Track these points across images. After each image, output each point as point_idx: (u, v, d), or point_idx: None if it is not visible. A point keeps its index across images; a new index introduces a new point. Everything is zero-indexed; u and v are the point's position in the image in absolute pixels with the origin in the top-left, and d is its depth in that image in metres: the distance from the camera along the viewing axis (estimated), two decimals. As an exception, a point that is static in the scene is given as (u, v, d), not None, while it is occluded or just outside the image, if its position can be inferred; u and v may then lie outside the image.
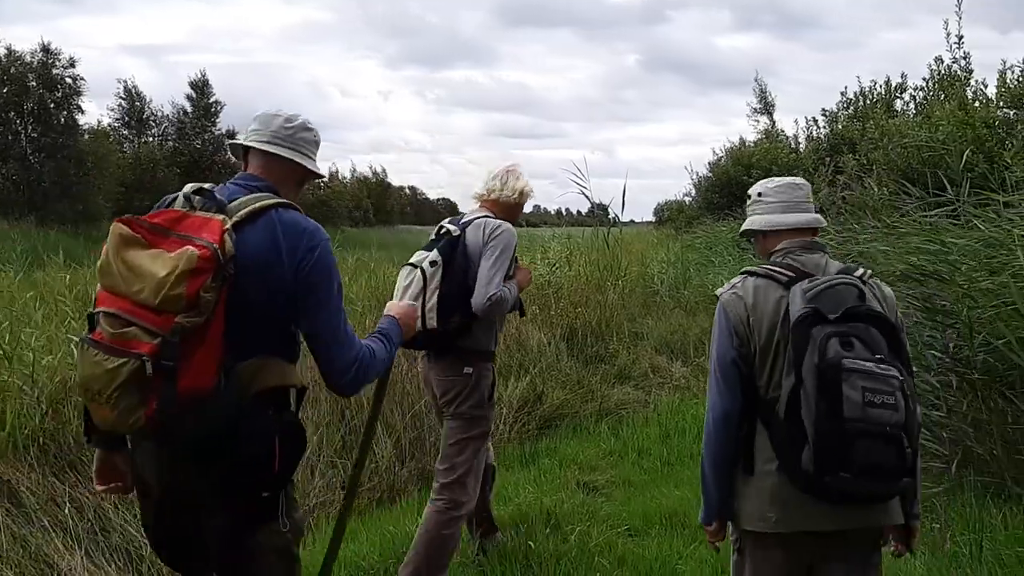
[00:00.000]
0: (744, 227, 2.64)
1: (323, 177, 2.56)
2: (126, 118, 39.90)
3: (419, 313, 3.35)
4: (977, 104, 11.29)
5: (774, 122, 24.39)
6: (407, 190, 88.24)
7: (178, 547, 2.24)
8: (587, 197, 11.29)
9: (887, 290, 2.47)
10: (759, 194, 2.61)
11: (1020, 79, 11.02)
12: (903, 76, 16.83)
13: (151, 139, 40.47)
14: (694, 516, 4.69)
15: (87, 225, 29.46)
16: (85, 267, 8.41)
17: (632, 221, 30.46)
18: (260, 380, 2.10)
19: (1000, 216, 5.62)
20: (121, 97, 39.81)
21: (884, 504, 2.32)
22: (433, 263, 3.48)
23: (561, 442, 6.36)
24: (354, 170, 67.63)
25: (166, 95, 78.74)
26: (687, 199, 28.58)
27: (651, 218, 35.88)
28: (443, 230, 3.66)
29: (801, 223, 2.52)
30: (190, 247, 1.94)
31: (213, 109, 41.55)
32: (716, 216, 22.54)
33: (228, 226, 2.02)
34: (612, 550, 4.20)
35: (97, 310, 2.02)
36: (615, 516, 4.73)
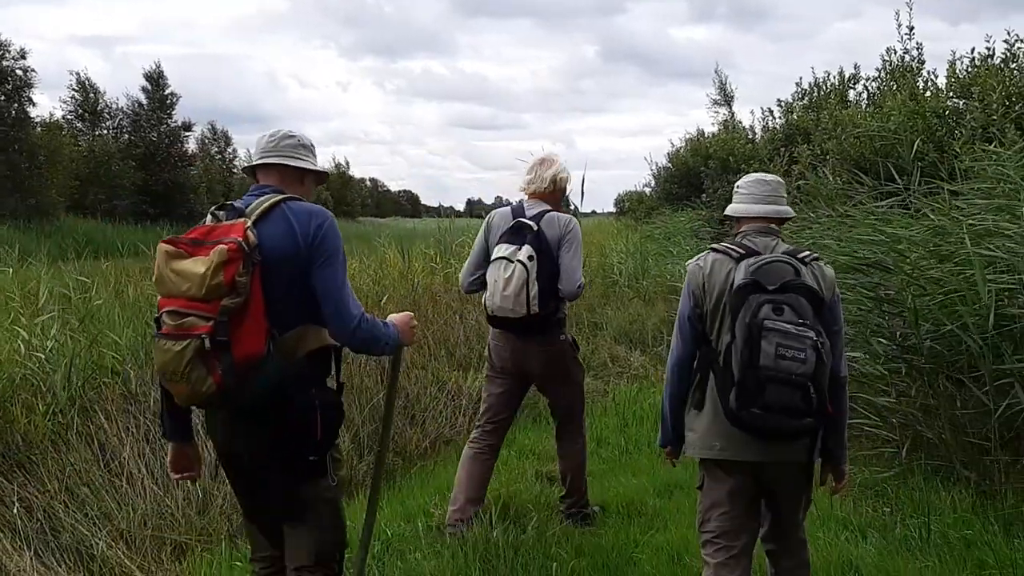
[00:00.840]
0: (728, 212, 3.18)
1: (324, 171, 2.92)
2: (79, 111, 38.95)
3: (524, 301, 3.96)
4: (928, 94, 11.43)
5: (733, 113, 24.62)
6: (367, 182, 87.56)
7: (251, 500, 2.82)
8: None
9: (828, 271, 2.95)
10: (738, 186, 3.13)
11: (969, 70, 11.20)
12: (856, 67, 16.98)
13: (105, 132, 39.58)
14: (651, 504, 4.76)
15: (40, 219, 28.83)
16: (38, 262, 8.23)
17: (593, 212, 30.60)
18: (304, 345, 2.58)
19: (949, 205, 5.72)
20: (74, 89, 38.87)
21: (800, 444, 2.83)
22: (531, 257, 3.98)
23: (519, 433, 6.37)
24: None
25: (120, 87, 77.08)
26: (647, 190, 28.75)
27: (612, 209, 36.07)
28: (516, 224, 4.13)
29: (758, 212, 3.02)
30: (220, 245, 2.39)
31: (169, 101, 40.72)
32: (675, 206, 22.70)
33: (249, 224, 2.48)
34: (570, 540, 4.21)
35: (160, 312, 2.45)
36: (573, 506, 4.74)
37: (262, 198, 2.63)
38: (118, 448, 4.75)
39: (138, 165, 36.97)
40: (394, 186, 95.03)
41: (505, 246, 4.07)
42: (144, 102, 40.00)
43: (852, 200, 7.33)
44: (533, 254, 3.98)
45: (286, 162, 2.75)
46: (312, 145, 2.86)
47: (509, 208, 4.28)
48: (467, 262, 4.39)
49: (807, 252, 2.94)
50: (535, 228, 4.06)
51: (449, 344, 7.63)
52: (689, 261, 3.10)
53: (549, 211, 4.17)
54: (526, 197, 4.28)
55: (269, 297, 2.46)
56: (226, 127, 52.57)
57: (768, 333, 2.64)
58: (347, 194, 70.28)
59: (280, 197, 2.63)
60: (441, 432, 6.22)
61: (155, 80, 40.35)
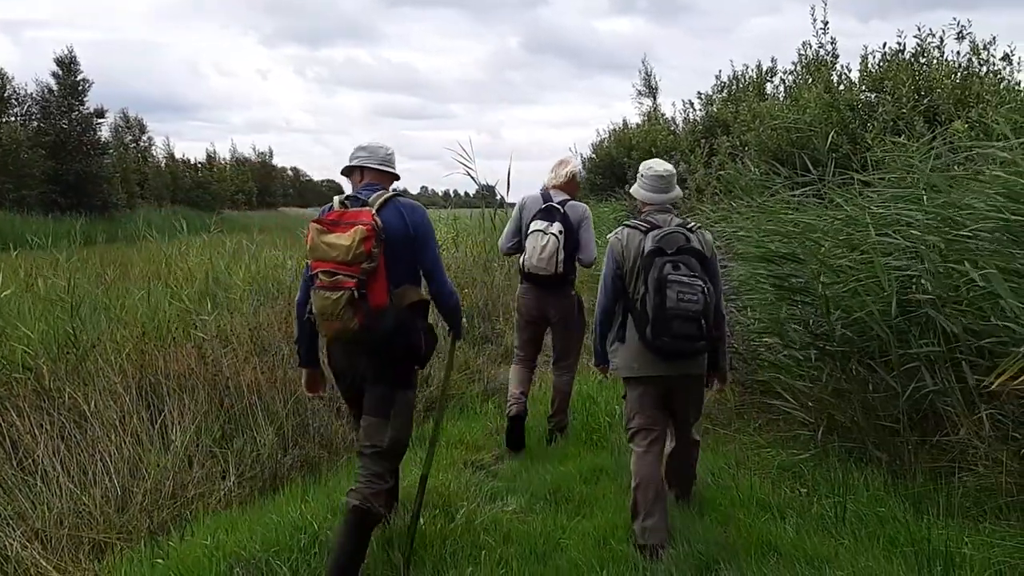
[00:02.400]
0: (632, 192, 4.26)
1: (399, 178, 3.97)
2: (-16, 96, 37.20)
3: (555, 263, 5.41)
4: (842, 88, 11.75)
5: (657, 105, 24.93)
6: (289, 171, 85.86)
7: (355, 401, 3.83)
8: (473, 178, 11.33)
9: (708, 236, 4.08)
10: (643, 176, 4.17)
11: (881, 64, 11.55)
12: (773, 60, 17.42)
13: (13, 119, 37.80)
14: (578, 490, 4.81)
15: (-56, 210, 27.56)
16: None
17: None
18: (407, 298, 3.62)
19: (860, 195, 5.91)
20: (-22, 75, 37.12)
21: (694, 360, 3.98)
22: (561, 232, 5.43)
23: (448, 423, 6.38)
24: (234, 151, 65.04)
25: (29, 73, 73.39)
26: (572, 180, 28.77)
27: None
28: (547, 206, 5.54)
29: (659, 200, 4.13)
30: (359, 226, 3.43)
31: (81, 87, 39.03)
32: (599, 197, 22.90)
33: (374, 211, 3.55)
34: (498, 527, 4.24)
35: (315, 271, 3.50)
36: (501, 493, 4.79)
37: (378, 193, 3.68)
38: (31, 446, 4.60)
39: (48, 153, 35.43)
40: (317, 176, 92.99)
41: (540, 222, 5.50)
42: (55, 88, 38.33)
43: (770, 190, 7.50)
44: (562, 229, 5.43)
45: (385, 169, 3.87)
46: (394, 154, 3.95)
47: (540, 195, 5.70)
48: (505, 232, 5.89)
49: (692, 223, 4.06)
50: (562, 211, 5.50)
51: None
52: (610, 235, 4.14)
53: (570, 199, 5.63)
54: (551, 188, 5.71)
55: (387, 264, 3.51)
56: (142, 115, 50.60)
57: (671, 284, 3.74)
58: (270, 184, 68.91)
59: (391, 194, 3.72)
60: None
61: (67, 65, 38.59)
